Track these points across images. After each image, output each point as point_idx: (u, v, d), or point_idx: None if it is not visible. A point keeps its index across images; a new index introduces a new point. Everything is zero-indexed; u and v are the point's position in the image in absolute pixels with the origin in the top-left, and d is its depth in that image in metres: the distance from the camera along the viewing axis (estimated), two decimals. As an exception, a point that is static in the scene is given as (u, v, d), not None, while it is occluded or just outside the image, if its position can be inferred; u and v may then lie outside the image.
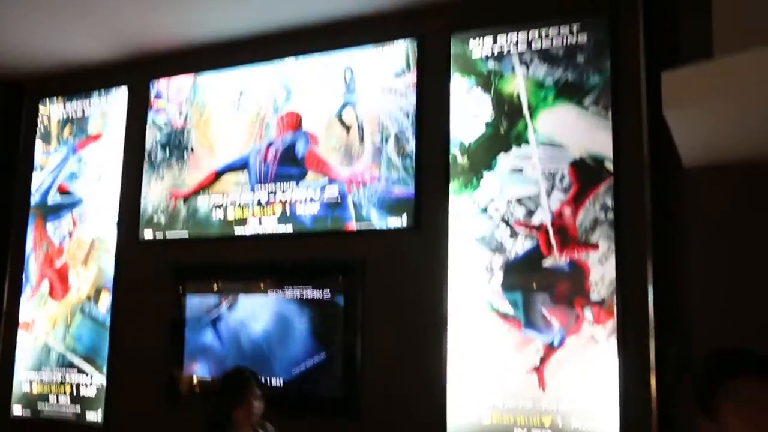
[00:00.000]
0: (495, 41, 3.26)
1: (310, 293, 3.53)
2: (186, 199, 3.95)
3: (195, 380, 3.82)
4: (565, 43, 3.12)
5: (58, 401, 4.18)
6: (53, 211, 4.40)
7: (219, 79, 3.96)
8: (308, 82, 3.70)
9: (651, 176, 2.86)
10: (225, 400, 2.90)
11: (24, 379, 4.32)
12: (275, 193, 3.69)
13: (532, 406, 2.96)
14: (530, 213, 3.09)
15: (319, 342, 3.48)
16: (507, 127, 3.18)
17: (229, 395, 2.90)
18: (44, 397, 4.23)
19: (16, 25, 3.82)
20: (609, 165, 2.96)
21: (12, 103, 4.62)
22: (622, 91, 2.97)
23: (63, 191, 4.38)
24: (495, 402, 3.02)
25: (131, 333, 4.03)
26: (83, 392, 4.11)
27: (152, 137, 4.10)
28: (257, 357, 3.61)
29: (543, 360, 2.98)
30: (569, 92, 3.08)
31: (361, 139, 3.50)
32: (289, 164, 3.69)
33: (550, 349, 2.97)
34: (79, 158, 4.37)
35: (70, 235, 4.31)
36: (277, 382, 3.54)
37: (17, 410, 4.30)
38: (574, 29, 3.10)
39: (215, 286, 3.83)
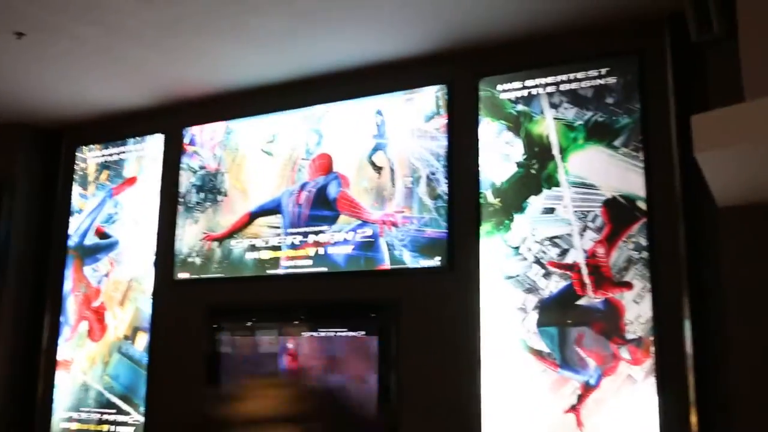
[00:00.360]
0: (523, 84, 3.32)
1: (345, 333, 3.57)
2: (220, 240, 4.03)
3: (231, 420, 3.86)
4: (594, 85, 3.17)
5: (98, 440, 4.25)
6: (91, 253, 4.51)
7: (251, 124, 4.06)
8: (339, 126, 3.79)
9: (684, 215, 2.89)
10: None
11: (62, 417, 4.40)
12: (308, 234, 3.76)
13: (569, 447, 2.97)
14: (563, 252, 3.12)
15: (354, 381, 3.52)
16: (538, 168, 3.23)
17: None
18: (83, 437, 4.30)
19: (56, 75, 3.95)
20: (642, 204, 2.99)
21: (51, 149, 4.78)
22: (653, 131, 3.01)
23: (100, 234, 4.49)
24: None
25: (168, 372, 4.10)
26: (121, 431, 4.17)
27: (186, 181, 4.20)
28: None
29: (580, 399, 2.99)
30: (599, 133, 3.13)
31: (393, 181, 3.57)
32: (322, 206, 3.76)
33: (587, 388, 2.98)
34: (115, 202, 4.49)
35: (108, 276, 4.41)
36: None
37: (56, 450, 4.38)
38: (603, 72, 3.16)
39: (249, 325, 3.90)
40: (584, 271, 3.08)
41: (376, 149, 3.65)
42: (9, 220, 4.57)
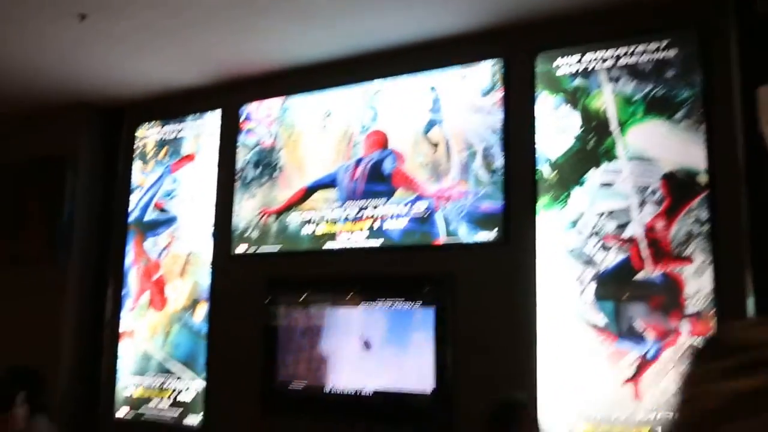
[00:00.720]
0: (581, 59, 3.32)
1: (400, 306, 3.65)
2: (277, 215, 4.13)
3: (287, 388, 4.00)
4: (653, 59, 3.16)
5: (158, 405, 4.42)
6: (151, 228, 4.67)
7: (307, 100, 4.13)
8: (395, 102, 3.84)
9: (748, 188, 2.88)
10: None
11: (127, 383, 4.59)
12: (364, 208, 3.83)
13: (627, 417, 3.01)
14: (621, 226, 3.14)
15: (409, 353, 3.60)
16: (595, 143, 3.24)
17: (498, 426, 2.59)
18: (146, 401, 4.48)
19: (117, 55, 4.07)
20: (703, 178, 2.99)
21: (112, 128, 4.93)
22: (715, 104, 3.00)
23: (160, 209, 4.64)
24: (589, 413, 3.08)
25: (226, 341, 4.24)
26: (182, 397, 4.34)
27: (243, 157, 4.30)
28: (347, 366, 3.76)
29: (638, 371, 3.03)
30: (659, 107, 3.12)
31: (449, 156, 3.61)
32: (377, 181, 3.82)
33: (646, 360, 3.01)
34: (174, 178, 4.62)
35: (167, 249, 4.56)
36: (368, 392, 3.67)
37: (121, 413, 4.58)
38: (663, 45, 3.14)
39: (306, 297, 4.00)
40: (643, 244, 3.09)
41: (431, 125, 3.69)
42: (73, 197, 4.76)
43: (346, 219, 3.89)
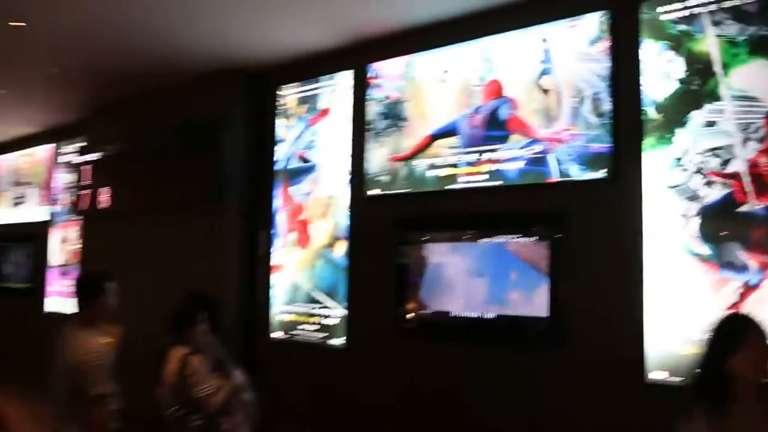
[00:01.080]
0: (685, 5, 3.48)
1: (517, 240, 4.04)
2: (404, 161, 4.61)
3: (418, 313, 4.53)
4: (758, 0, 3.27)
5: (307, 329, 5.13)
6: (295, 175, 5.32)
7: (429, 57, 4.54)
8: (509, 54, 4.16)
9: None
10: (720, 349, 2.16)
11: (279, 311, 5.34)
12: (483, 153, 4.22)
13: (728, 338, 3.25)
14: (724, 163, 3.33)
15: (525, 284, 4.00)
16: (699, 84, 3.42)
17: (726, 343, 2.16)
18: (296, 325, 5.20)
19: (259, 25, 4.65)
20: (805, 115, 3.12)
21: (258, 90, 5.61)
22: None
23: (302, 158, 5.28)
24: (692, 334, 3.33)
25: (363, 274, 4.84)
26: (327, 322, 5.01)
27: (373, 110, 4.80)
28: (469, 294, 4.23)
29: (741, 298, 3.25)
30: (763, 48, 3.25)
31: (559, 102, 3.91)
32: (495, 127, 4.19)
33: (748, 288, 3.23)
34: (313, 131, 5.23)
35: (310, 194, 5.20)
36: (488, 317, 4.12)
37: (276, 335, 5.34)
38: (769, -15, 3.24)
39: (432, 234, 4.48)
40: (746, 179, 3.28)
41: (543, 74, 3.99)
42: (229, 152, 5.49)
43: (467, 163, 4.30)
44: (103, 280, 3.10)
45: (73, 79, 6.11)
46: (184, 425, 3.18)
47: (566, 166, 3.86)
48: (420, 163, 4.54)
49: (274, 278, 5.39)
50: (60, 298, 7.97)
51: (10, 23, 4.69)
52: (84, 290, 3.09)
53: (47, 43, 5.21)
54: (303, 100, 5.33)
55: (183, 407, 3.18)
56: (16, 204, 9.09)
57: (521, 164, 4.05)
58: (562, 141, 3.88)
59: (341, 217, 4.99)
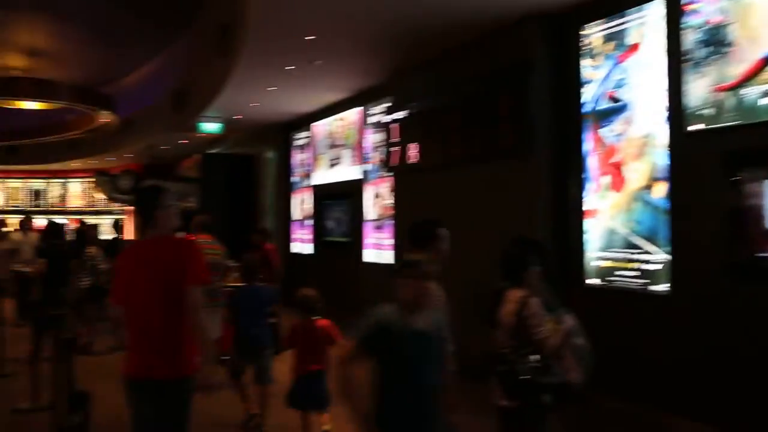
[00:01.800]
0: None
1: None
2: (731, 89, 4.19)
3: (754, 257, 4.13)
4: None
5: (625, 275, 5.00)
6: (605, 116, 5.15)
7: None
8: None
9: None
10: None
11: (594, 257, 5.28)
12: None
13: None
14: None
15: None
16: None
17: None
18: (613, 271, 5.11)
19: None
20: None
21: (560, 32, 5.51)
22: None
23: (612, 98, 5.08)
24: None
25: (687, 215, 4.54)
26: (647, 267, 4.83)
27: (690, 39, 4.42)
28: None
29: None
30: None
31: None
32: None
33: None
34: (622, 68, 4.99)
35: (622, 135, 5.01)
36: None
37: (590, 281, 5.31)
38: None
39: (769, 169, 4.03)
40: None
41: None
42: (535, 97, 5.50)
43: (815, 85, 3.77)
44: (436, 226, 3.33)
45: (378, 43, 6.62)
46: (520, 366, 3.33)
47: None
48: (751, 91, 4.08)
49: (587, 224, 5.34)
50: (375, 251, 8.83)
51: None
52: (418, 237, 3.31)
53: (353, 12, 5.71)
54: (609, 37, 5.10)
55: (520, 348, 3.32)
56: (332, 165, 10.20)
57: None
58: None
59: (659, 157, 4.72)
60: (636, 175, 4.90)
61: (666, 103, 4.64)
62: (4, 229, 10.17)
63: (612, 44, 5.06)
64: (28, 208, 20.08)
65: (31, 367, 5.35)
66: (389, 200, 8.31)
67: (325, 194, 10.43)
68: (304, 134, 11.24)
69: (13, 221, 11.64)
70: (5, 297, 7.10)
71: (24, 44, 12.31)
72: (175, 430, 2.93)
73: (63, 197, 21.77)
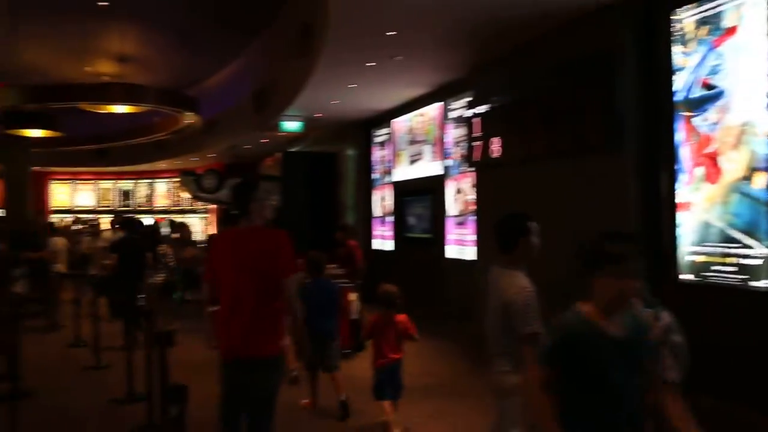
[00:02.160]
0: None
1: None
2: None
3: None
4: None
5: (722, 270, 4.77)
6: (698, 105, 4.92)
7: None
8: None
9: None
10: None
11: (688, 251, 5.06)
12: None
13: None
14: None
15: None
16: None
17: None
18: (708, 266, 4.88)
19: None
20: None
21: (649, 17, 5.29)
22: None
23: (706, 85, 4.85)
24: None
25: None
26: (746, 262, 4.59)
27: (799, 18, 4.17)
28: None
29: None
30: None
31: None
32: None
33: None
34: (717, 54, 4.75)
35: (718, 123, 4.77)
36: None
37: (684, 276, 5.09)
38: None
39: None
40: None
41: None
42: (622, 87, 5.31)
43: None
44: (526, 220, 3.27)
45: (458, 37, 6.57)
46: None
47: None
48: None
49: (680, 218, 5.12)
50: (457, 246, 8.78)
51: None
52: (508, 231, 3.25)
53: (433, 6, 5.69)
54: (703, 22, 4.86)
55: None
56: (413, 161, 10.21)
57: None
58: None
59: (758, 146, 4.47)
60: (733, 165, 4.66)
61: (766, 89, 4.39)
62: (100, 228, 10.75)
63: (706, 28, 4.83)
64: (118, 208, 21.11)
65: (128, 357, 5.59)
66: (471, 195, 8.24)
67: (405, 190, 10.45)
68: (384, 131, 11.29)
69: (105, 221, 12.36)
70: (102, 295, 7.45)
71: (114, 52, 12.91)
72: (264, 405, 3.20)
73: (150, 197, 22.68)
